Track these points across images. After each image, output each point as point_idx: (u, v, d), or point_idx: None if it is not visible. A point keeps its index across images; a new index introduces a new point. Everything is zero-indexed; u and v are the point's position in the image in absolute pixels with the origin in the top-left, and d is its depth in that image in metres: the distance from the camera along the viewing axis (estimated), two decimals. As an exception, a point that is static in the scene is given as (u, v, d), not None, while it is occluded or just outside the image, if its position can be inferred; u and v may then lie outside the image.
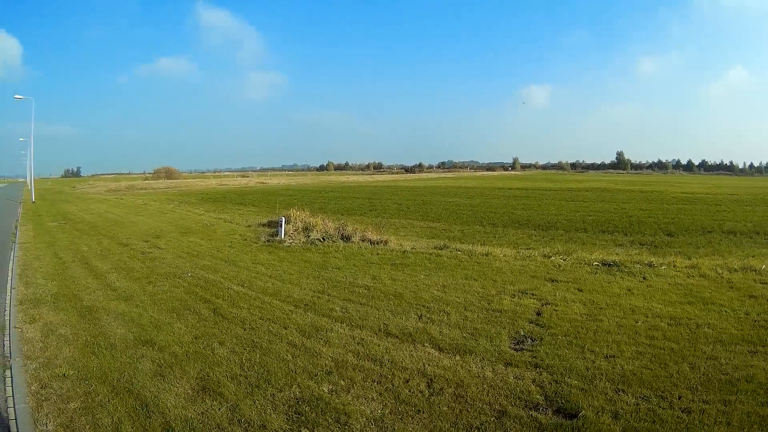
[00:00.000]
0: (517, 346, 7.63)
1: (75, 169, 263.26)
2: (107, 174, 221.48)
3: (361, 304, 10.06)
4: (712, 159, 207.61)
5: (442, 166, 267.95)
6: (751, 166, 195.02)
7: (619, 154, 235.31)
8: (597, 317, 8.92)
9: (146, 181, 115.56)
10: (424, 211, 33.23)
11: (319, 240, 17.58)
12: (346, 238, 17.62)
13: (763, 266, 12.57)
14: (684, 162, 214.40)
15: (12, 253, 17.59)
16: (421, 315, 9.19)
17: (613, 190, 57.91)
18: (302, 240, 17.85)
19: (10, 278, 13.51)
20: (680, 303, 9.80)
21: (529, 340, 7.87)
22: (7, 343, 8.44)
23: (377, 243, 17.00)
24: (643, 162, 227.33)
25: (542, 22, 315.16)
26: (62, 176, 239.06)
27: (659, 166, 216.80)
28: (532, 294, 10.58)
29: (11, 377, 6.97)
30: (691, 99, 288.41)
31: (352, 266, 13.80)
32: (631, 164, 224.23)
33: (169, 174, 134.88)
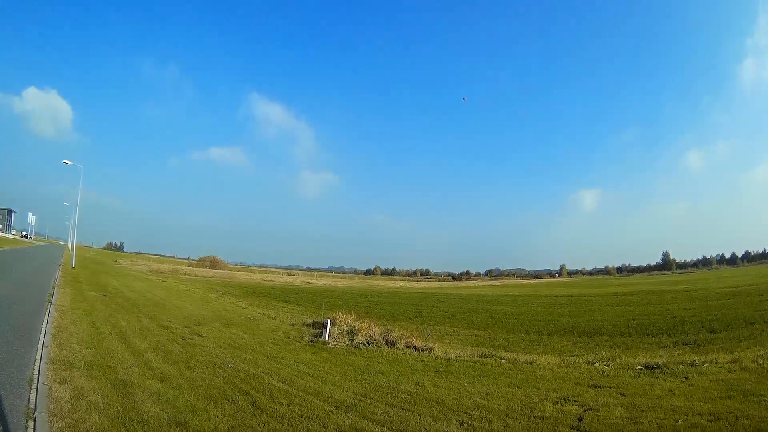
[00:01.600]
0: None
1: (118, 243, 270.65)
2: (151, 254, 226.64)
3: (402, 409, 9.95)
4: (755, 249, 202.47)
5: (489, 273, 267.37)
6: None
7: (665, 255, 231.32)
8: (638, 420, 8.87)
9: (190, 267, 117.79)
10: (469, 319, 33.56)
11: (364, 344, 17.49)
12: (390, 344, 17.51)
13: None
14: (728, 255, 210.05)
15: (47, 313, 17.96)
16: (462, 421, 9.12)
17: (657, 292, 57.19)
18: (347, 343, 17.78)
19: (42, 336, 13.79)
20: (720, 398, 9.78)
21: None
22: (33, 396, 8.52)
23: (422, 350, 16.94)
24: (688, 260, 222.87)
25: (593, 124, 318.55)
26: (104, 247, 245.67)
27: (703, 263, 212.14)
28: (575, 400, 10.50)
29: (34, 429, 7.03)
30: (735, 188, 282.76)
31: (395, 371, 13.70)
32: (676, 264, 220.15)
33: (214, 263, 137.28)
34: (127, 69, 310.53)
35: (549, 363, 14.79)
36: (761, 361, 12.36)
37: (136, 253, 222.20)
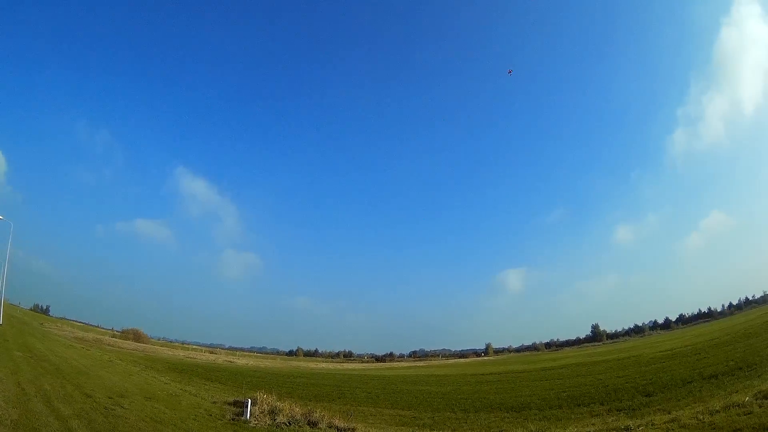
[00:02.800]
0: None
1: (45, 306, 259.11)
2: (76, 321, 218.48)
3: None
4: (689, 311, 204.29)
5: (414, 355, 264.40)
6: (730, 305, 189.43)
7: (595, 327, 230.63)
8: None
9: (114, 339, 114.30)
10: (394, 400, 33.72)
11: (285, 424, 17.80)
12: (312, 424, 17.85)
13: (746, 398, 12.96)
14: (661, 321, 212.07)
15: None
16: None
17: (588, 364, 57.02)
18: (268, 422, 18.03)
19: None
20: None
21: None
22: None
23: (344, 430, 17.36)
24: (619, 330, 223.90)
25: (519, 206, 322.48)
26: (31, 308, 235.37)
27: (636, 330, 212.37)
28: None
29: None
30: (667, 257, 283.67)
31: None
32: (607, 334, 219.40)
33: (137, 337, 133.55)
34: (62, 126, 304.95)
35: None
36: (702, 417, 12.85)
37: (61, 318, 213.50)
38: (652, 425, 13.47)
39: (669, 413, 15.17)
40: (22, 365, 22.73)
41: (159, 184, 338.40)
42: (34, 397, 15.66)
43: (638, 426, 13.62)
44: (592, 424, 15.60)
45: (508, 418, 22.47)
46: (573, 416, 20.38)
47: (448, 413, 25.54)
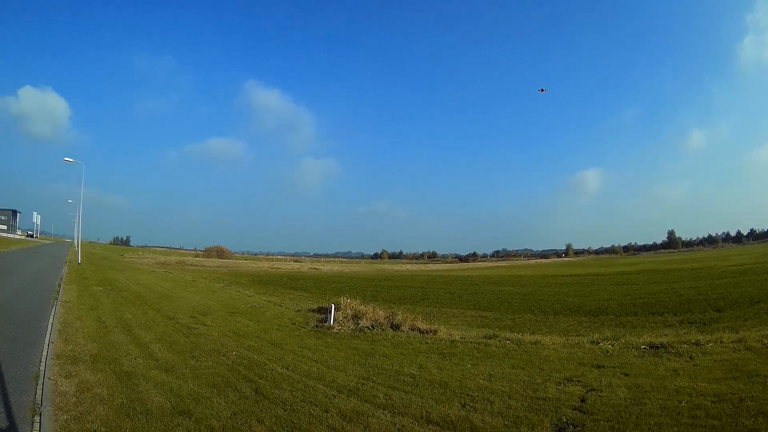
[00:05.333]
0: (559, 433, 7.64)
1: (124, 238, 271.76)
2: (157, 247, 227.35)
3: (405, 392, 10.11)
4: (760, 227, 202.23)
5: (496, 255, 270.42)
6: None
7: (670, 233, 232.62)
8: (641, 401, 8.89)
9: (197, 258, 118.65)
10: (475, 301, 34.00)
11: (369, 328, 17.80)
12: (395, 327, 17.79)
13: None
14: (733, 234, 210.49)
15: (53, 310, 18.50)
16: (464, 403, 9.25)
17: (663, 271, 57.66)
18: (351, 327, 18.08)
19: (48, 333, 14.32)
20: (725, 379, 9.77)
21: (571, 426, 7.98)
22: (39, 391, 8.95)
23: (426, 332, 17.16)
24: (694, 238, 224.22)
25: (593, 104, 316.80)
26: (111, 242, 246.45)
27: (709, 241, 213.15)
28: (578, 381, 10.59)
29: (39, 423, 7.44)
30: (739, 167, 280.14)
31: (399, 354, 13.91)
32: (682, 242, 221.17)
33: (220, 253, 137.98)
34: (121, 63, 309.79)
35: (554, 343, 14.93)
36: (766, 341, 12.41)
37: (142, 246, 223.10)
38: (720, 342, 13.00)
39: (737, 332, 14.60)
40: (102, 299, 23.24)
41: (229, 100, 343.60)
42: (114, 328, 15.79)
43: (708, 342, 13.14)
44: (665, 335, 15.26)
45: (585, 322, 22.40)
46: (647, 324, 20.21)
47: (528, 315, 25.64)
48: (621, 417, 8.13)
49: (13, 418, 7.51)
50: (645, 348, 13.32)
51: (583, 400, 9.21)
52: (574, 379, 10.72)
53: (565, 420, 8.23)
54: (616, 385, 10.02)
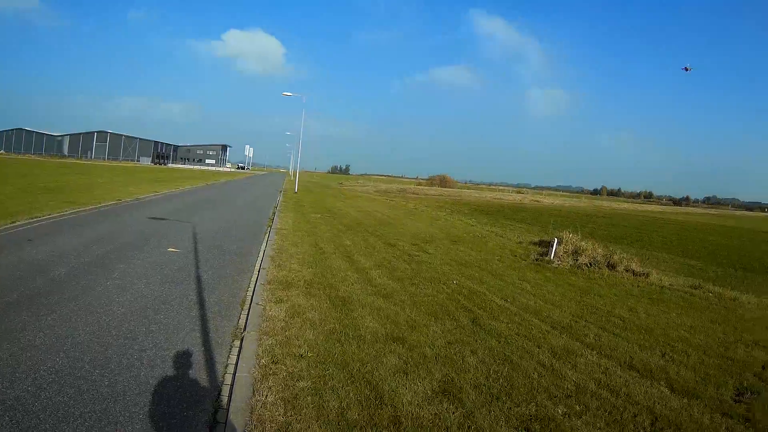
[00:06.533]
0: (737, 398, 7.43)
1: (343, 166, 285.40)
2: (377, 175, 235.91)
3: (614, 334, 10.01)
4: None
5: (707, 201, 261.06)
6: None
7: None
8: None
9: (419, 186, 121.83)
10: (684, 247, 33.80)
11: (586, 265, 17.61)
12: (611, 266, 17.55)
13: None
14: None
15: (267, 236, 19.39)
16: (664, 353, 9.12)
17: None
18: (570, 263, 17.89)
19: (260, 259, 14.86)
20: None
21: (749, 392, 7.66)
22: (244, 316, 9.16)
23: (639, 275, 16.93)
24: None
25: None
26: (329, 171, 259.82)
27: None
28: (764, 346, 10.19)
29: (239, 348, 7.48)
30: None
31: (612, 295, 13.83)
32: None
33: (443, 182, 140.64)
34: None
35: (749, 302, 14.59)
36: None
37: (362, 174, 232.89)
38: None
39: None
40: (320, 225, 24.11)
41: (452, 30, 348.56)
42: (332, 254, 16.10)
43: None
44: None
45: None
46: None
47: (731, 270, 24.02)
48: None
49: (209, 343, 7.62)
50: None
51: (764, 367, 8.88)
52: (761, 344, 10.36)
53: (745, 385, 7.92)
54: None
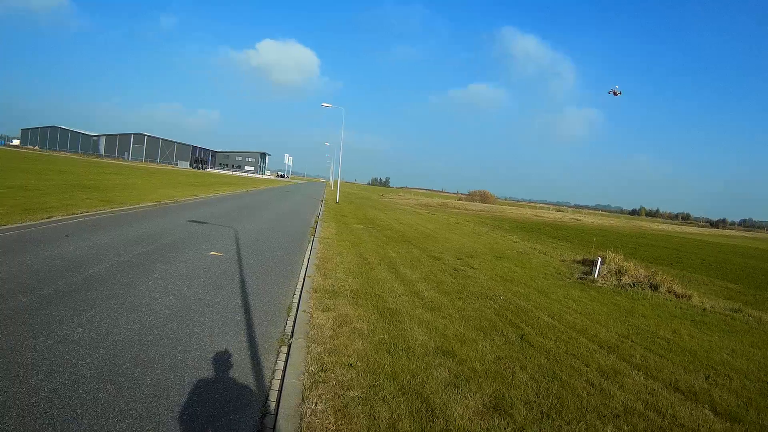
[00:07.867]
0: (780, 424, 7.33)
1: (383, 179, 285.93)
2: (418, 188, 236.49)
3: (659, 355, 9.98)
4: None
5: (743, 223, 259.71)
6: None
7: None
8: None
9: (460, 201, 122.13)
10: (724, 270, 33.34)
11: (630, 285, 17.66)
12: (654, 287, 17.61)
13: None
14: None
15: (311, 245, 19.33)
16: (708, 375, 9.11)
17: None
18: (614, 282, 17.93)
19: (305, 267, 14.83)
20: None
21: None
22: (290, 323, 9.12)
23: (681, 297, 16.97)
24: None
25: None
26: (369, 183, 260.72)
27: None
28: None
29: (287, 354, 7.44)
30: None
31: (656, 316, 13.85)
32: None
33: (484, 198, 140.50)
34: (370, 12, 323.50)
35: None
36: None
37: (402, 187, 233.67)
38: None
39: None
40: (364, 236, 24.05)
41: (487, 47, 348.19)
42: (377, 265, 16.04)
43: None
44: None
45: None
46: None
47: None
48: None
49: (255, 348, 7.59)
50: None
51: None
52: (801, 371, 10.14)
53: (784, 411, 7.81)
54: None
